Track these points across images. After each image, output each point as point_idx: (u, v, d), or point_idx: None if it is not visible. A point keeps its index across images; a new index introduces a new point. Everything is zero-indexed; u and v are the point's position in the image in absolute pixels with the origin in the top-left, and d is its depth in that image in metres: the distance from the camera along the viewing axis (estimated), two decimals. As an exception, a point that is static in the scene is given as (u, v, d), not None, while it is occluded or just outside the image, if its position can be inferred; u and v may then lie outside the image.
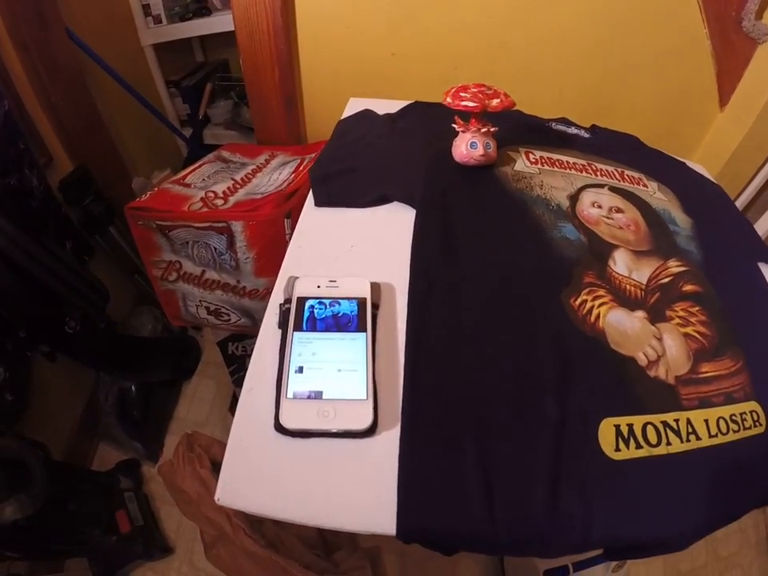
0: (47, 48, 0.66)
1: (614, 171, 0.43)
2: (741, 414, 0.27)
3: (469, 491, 0.21)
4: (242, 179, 0.54)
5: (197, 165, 0.58)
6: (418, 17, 0.55)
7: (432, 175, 0.36)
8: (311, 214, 0.35)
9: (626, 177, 0.43)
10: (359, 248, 0.32)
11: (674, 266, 0.34)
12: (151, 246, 0.56)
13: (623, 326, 0.28)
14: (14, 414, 0.57)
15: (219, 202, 0.50)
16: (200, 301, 0.58)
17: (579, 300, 0.29)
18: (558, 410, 0.24)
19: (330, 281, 0.28)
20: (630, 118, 0.65)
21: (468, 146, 0.35)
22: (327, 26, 0.56)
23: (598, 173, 0.42)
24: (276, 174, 0.54)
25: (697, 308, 0.32)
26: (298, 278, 0.28)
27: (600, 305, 0.29)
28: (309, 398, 0.23)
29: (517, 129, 0.44)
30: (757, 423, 0.27)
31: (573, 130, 0.48)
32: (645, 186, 0.44)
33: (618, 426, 0.24)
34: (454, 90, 0.34)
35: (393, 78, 0.57)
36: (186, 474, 0.45)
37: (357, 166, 0.36)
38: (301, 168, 0.56)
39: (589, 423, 0.24)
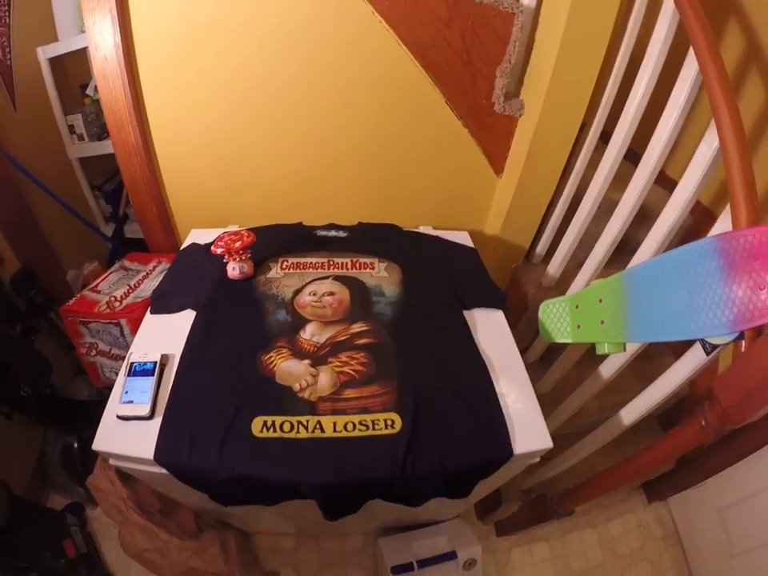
0: None
1: (348, 262, 0.91)
2: (373, 421, 0.68)
3: (196, 440, 0.66)
4: (134, 284, 1.07)
5: (106, 274, 1.13)
6: (241, 158, 1.08)
7: (213, 288, 0.85)
8: (149, 316, 0.85)
9: (357, 264, 0.91)
10: (163, 332, 0.81)
11: (357, 328, 0.81)
12: (77, 333, 1.09)
13: (290, 369, 0.74)
14: None
15: (117, 304, 1.02)
16: (111, 368, 1.10)
17: (268, 356, 0.75)
18: (237, 408, 0.68)
19: (144, 354, 0.76)
20: (420, 205, 1.15)
21: (230, 270, 0.85)
22: (186, 173, 1.11)
23: (333, 266, 0.90)
24: (155, 281, 1.07)
25: (361, 354, 0.77)
26: (132, 353, 0.77)
27: (279, 357, 0.75)
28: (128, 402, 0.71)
29: (287, 242, 0.94)
30: (391, 427, 0.66)
31: (332, 233, 0.97)
32: (372, 267, 0.91)
33: (265, 420, 0.68)
34: (216, 239, 0.84)
35: (228, 206, 1.10)
36: (100, 477, 0.93)
37: (173, 289, 0.87)
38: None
39: (249, 416, 0.68)
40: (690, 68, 0.74)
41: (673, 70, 0.80)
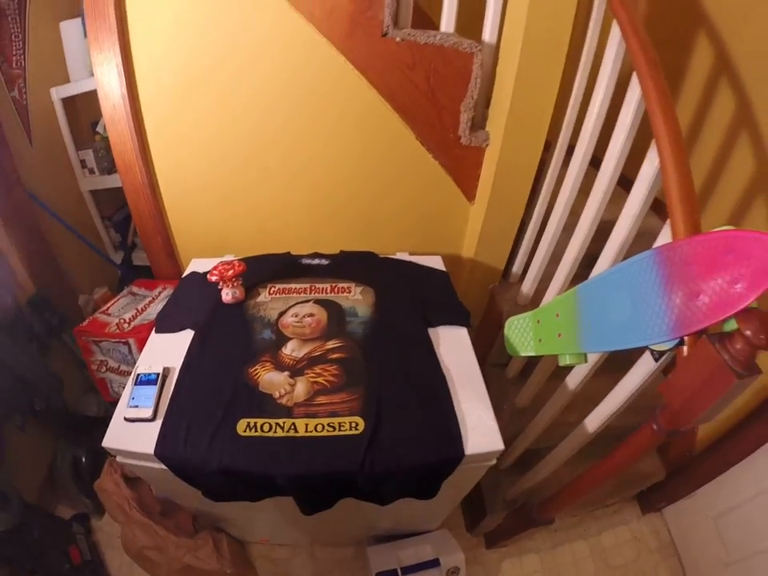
0: (11, 203, 1.46)
1: (328, 287, 1.11)
2: (339, 423, 0.86)
3: (190, 438, 0.85)
4: (141, 308, 1.29)
5: (116, 299, 1.35)
6: (237, 195, 1.30)
7: (210, 311, 1.05)
8: (154, 335, 1.05)
9: (336, 288, 1.11)
10: (165, 348, 1.01)
11: (331, 344, 0.99)
12: (89, 351, 1.30)
13: (271, 379, 0.93)
14: None
15: (126, 325, 1.23)
16: (119, 383, 1.31)
17: (253, 369, 0.94)
18: (225, 411, 0.87)
19: (149, 366, 0.96)
20: (398, 232, 1.34)
21: (224, 295, 1.05)
22: (188, 208, 1.33)
23: (314, 291, 1.10)
24: (160, 305, 1.28)
25: (334, 366, 0.95)
26: (139, 365, 0.97)
27: (263, 369, 0.94)
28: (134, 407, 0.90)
29: (276, 269, 1.14)
30: (355, 429, 0.85)
31: (315, 261, 1.17)
32: (348, 291, 1.10)
33: (248, 422, 0.87)
34: (211, 269, 1.04)
35: (226, 238, 1.32)
36: (106, 480, 1.12)
37: (175, 311, 1.08)
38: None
39: (235, 418, 0.86)
40: (634, 91, 0.86)
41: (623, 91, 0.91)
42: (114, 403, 0.94)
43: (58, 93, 1.64)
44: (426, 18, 1.76)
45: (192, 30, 1.11)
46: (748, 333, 0.49)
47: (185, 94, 1.15)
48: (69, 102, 1.66)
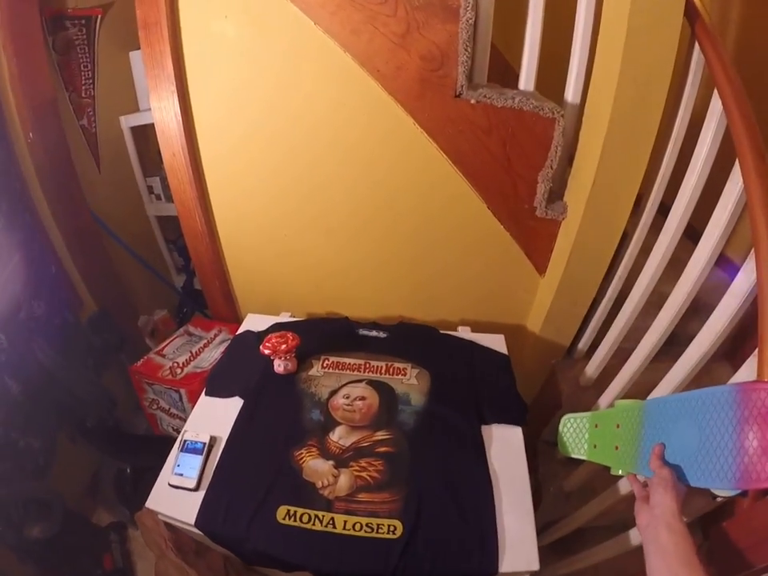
0: (76, 226, 1.53)
1: (383, 366, 1.09)
2: (378, 525, 0.85)
3: (230, 515, 0.87)
4: (195, 352, 1.33)
5: (171, 338, 1.40)
6: (294, 250, 1.30)
7: (260, 380, 1.06)
8: (204, 397, 1.08)
9: (391, 369, 1.09)
10: (214, 413, 1.03)
11: (379, 436, 0.98)
12: (142, 389, 1.37)
13: (316, 467, 0.93)
14: (42, 473, 1.38)
15: (178, 371, 1.28)
16: (168, 423, 1.36)
17: (299, 452, 0.94)
18: (266, 493, 0.88)
19: (196, 434, 0.99)
20: (462, 302, 1.30)
21: (276, 366, 1.06)
22: (246, 256, 1.35)
23: (369, 369, 1.08)
24: (215, 351, 1.32)
25: (379, 461, 0.94)
26: (186, 430, 1.00)
27: (308, 455, 0.94)
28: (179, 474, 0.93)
29: (331, 339, 1.13)
30: (392, 533, 0.83)
31: (372, 333, 1.15)
32: (404, 374, 1.08)
33: (288, 509, 0.87)
34: (264, 339, 1.05)
35: (282, 290, 1.33)
36: (147, 516, 1.18)
37: (226, 373, 1.10)
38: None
39: (276, 503, 0.87)
40: (735, 182, 0.77)
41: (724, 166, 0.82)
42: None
43: (127, 121, 1.71)
44: (502, 61, 1.66)
45: (257, 92, 1.12)
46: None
47: (250, 154, 1.17)
48: (138, 130, 1.72)
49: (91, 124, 1.66)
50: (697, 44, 0.93)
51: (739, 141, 0.75)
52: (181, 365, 1.30)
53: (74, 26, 1.54)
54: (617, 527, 0.99)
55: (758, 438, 0.51)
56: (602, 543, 1.08)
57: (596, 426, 0.95)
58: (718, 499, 0.69)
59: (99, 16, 1.58)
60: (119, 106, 1.72)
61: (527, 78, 1.12)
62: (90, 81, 1.63)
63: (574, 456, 0.96)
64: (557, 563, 1.26)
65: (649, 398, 0.93)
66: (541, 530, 1.38)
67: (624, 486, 0.95)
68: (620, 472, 0.83)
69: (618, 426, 0.87)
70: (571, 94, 1.10)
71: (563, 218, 1.15)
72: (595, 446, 0.93)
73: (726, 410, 0.57)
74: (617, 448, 0.85)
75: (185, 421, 1.21)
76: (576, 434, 0.99)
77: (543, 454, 1.34)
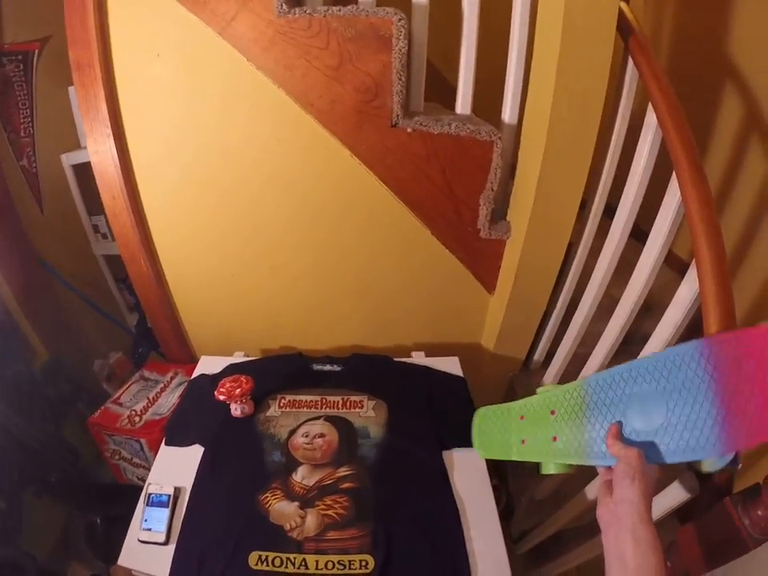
0: (23, 274, 1.48)
1: (339, 400, 1.10)
2: (350, 561, 0.87)
3: (203, 567, 0.86)
4: (153, 398, 1.31)
5: (127, 385, 1.38)
6: (245, 291, 1.30)
7: (218, 426, 1.06)
8: (164, 447, 1.07)
9: (348, 403, 1.10)
10: (175, 463, 1.02)
11: (342, 472, 0.99)
12: (103, 440, 1.34)
13: (282, 510, 0.93)
14: (10, 536, 1.34)
15: (137, 419, 1.26)
16: (132, 472, 1.34)
17: (264, 496, 0.95)
18: (237, 542, 0.88)
19: (160, 486, 0.98)
20: (414, 327, 1.32)
21: (233, 410, 1.05)
22: (196, 300, 1.34)
23: (326, 405, 1.09)
24: (172, 395, 1.30)
25: (344, 498, 0.95)
26: (150, 483, 0.99)
27: (273, 498, 0.95)
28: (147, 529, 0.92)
29: (286, 376, 1.14)
30: (364, 568, 0.86)
31: (327, 367, 1.16)
32: (361, 406, 1.09)
33: (259, 555, 0.88)
34: (218, 384, 1.05)
35: (236, 330, 1.33)
36: (120, 571, 1.17)
37: (184, 422, 1.09)
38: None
39: (247, 550, 0.87)
40: (673, 195, 0.79)
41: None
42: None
43: (68, 159, 1.66)
44: (444, 80, 1.69)
45: (191, 133, 1.12)
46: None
47: (189, 195, 1.17)
48: (80, 168, 1.68)
49: (31, 164, 1.61)
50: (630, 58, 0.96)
51: (675, 154, 0.77)
52: (139, 412, 1.28)
53: (10, 62, 1.50)
54: (594, 527, 1.02)
55: (739, 391, 0.46)
56: (581, 545, 1.11)
57: (521, 417, 0.84)
58: (705, 471, 0.58)
59: (36, 51, 1.54)
60: (60, 144, 1.68)
61: (463, 102, 1.15)
62: (29, 119, 1.58)
63: (499, 458, 0.87)
64: (540, 568, 1.30)
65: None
66: (518, 538, 1.43)
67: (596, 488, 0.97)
68: (551, 469, 0.74)
69: (552, 413, 0.76)
70: (508, 114, 1.13)
71: (508, 237, 1.18)
72: (523, 441, 0.82)
73: (693, 368, 0.52)
74: (554, 439, 0.74)
75: (148, 470, 1.19)
76: (497, 429, 0.89)
77: (511, 467, 1.38)
